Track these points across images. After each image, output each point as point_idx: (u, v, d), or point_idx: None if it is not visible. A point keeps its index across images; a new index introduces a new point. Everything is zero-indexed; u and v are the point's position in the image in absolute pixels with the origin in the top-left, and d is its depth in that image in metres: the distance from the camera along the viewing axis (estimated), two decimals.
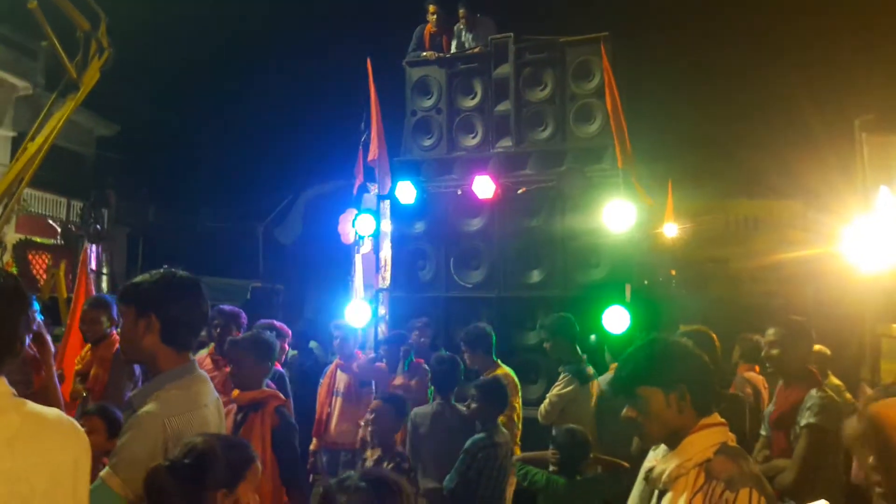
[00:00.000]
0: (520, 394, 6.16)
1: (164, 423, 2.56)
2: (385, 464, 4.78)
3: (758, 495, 2.24)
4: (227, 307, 6.28)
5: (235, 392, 4.45)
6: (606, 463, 4.98)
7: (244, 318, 6.33)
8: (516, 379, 6.17)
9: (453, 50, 9.32)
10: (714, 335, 4.51)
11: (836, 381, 5.38)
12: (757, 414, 6.63)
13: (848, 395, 5.28)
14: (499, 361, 6.26)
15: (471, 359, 6.24)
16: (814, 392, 4.14)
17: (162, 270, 2.81)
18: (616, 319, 7.00)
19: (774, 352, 4.49)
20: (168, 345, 2.72)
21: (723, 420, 2.51)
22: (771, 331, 4.54)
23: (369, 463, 4.91)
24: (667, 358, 2.53)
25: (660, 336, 2.70)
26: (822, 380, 4.40)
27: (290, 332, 6.99)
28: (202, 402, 2.74)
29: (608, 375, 5.90)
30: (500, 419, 5.86)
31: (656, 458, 2.57)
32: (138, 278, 2.81)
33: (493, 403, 5.12)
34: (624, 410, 2.54)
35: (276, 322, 6.82)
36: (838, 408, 4.02)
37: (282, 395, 4.52)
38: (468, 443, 4.92)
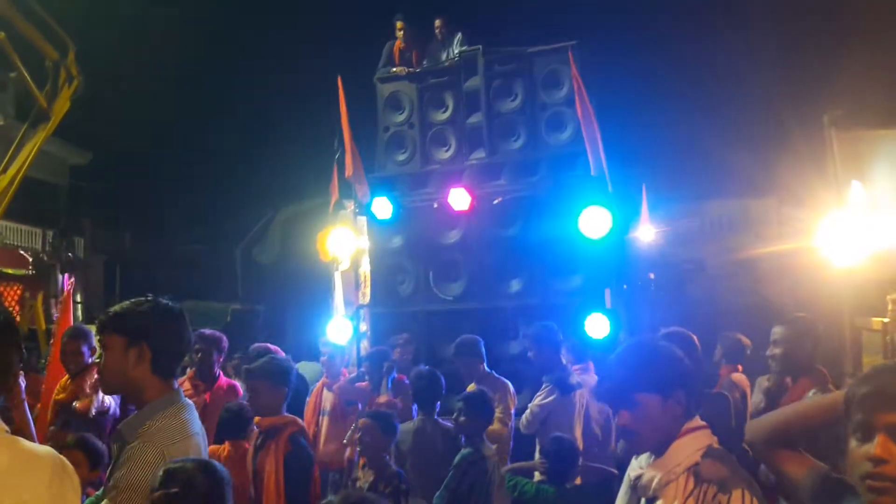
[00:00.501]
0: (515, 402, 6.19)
1: (162, 452, 2.56)
2: (381, 486, 4.69)
3: (750, 496, 2.25)
4: (207, 331, 6.24)
5: (257, 419, 4.48)
6: (595, 470, 4.98)
7: (225, 342, 6.29)
8: (511, 388, 6.20)
9: (445, 59, 9.33)
10: (694, 336, 4.52)
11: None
12: (744, 417, 6.66)
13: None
14: (493, 373, 6.27)
15: (463, 369, 6.26)
16: (810, 394, 4.12)
17: (147, 298, 2.80)
18: (597, 325, 7.04)
19: (778, 350, 4.45)
20: (157, 374, 2.72)
21: (704, 423, 2.52)
22: (777, 329, 4.50)
23: (362, 485, 4.83)
24: (662, 361, 2.50)
25: (646, 338, 2.69)
26: (829, 379, 4.35)
27: (283, 354, 6.96)
28: (192, 431, 2.74)
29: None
30: (497, 426, 5.87)
31: (640, 466, 2.57)
32: (122, 307, 2.78)
33: (480, 416, 5.09)
34: (618, 418, 2.49)
35: (270, 345, 6.80)
36: None
37: (300, 422, 4.53)
38: (457, 458, 4.88)
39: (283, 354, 6.78)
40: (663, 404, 2.44)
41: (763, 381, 7.44)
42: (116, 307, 2.80)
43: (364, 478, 4.84)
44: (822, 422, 2.14)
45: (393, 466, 4.93)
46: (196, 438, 2.74)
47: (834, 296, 7.79)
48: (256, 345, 6.72)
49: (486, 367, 6.29)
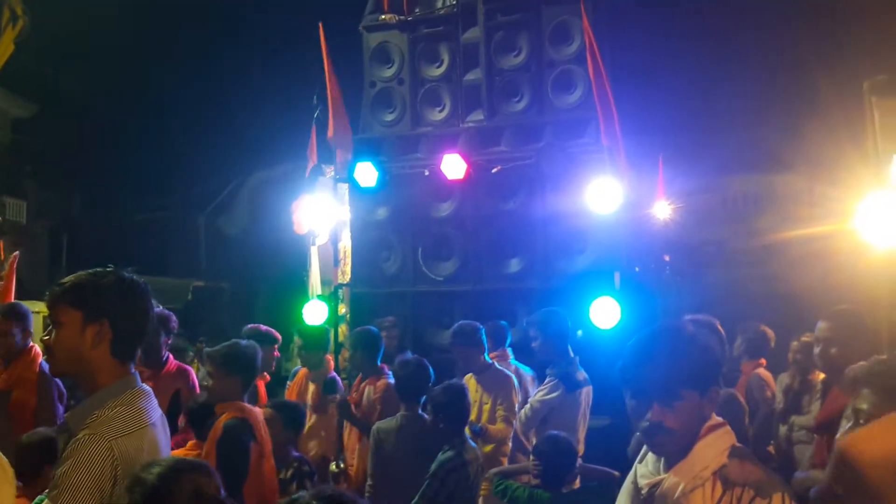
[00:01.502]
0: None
1: (110, 445, 2.52)
2: (282, 473, 4.86)
3: (790, 501, 2.28)
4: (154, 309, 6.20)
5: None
6: (595, 473, 4.95)
7: (174, 321, 6.29)
8: (515, 380, 6.20)
9: (416, 11, 9.24)
10: (718, 323, 4.46)
11: None
12: (772, 420, 6.66)
13: None
14: (496, 363, 6.26)
15: (463, 359, 6.25)
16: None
17: (108, 270, 2.75)
18: (605, 312, 7.01)
19: (833, 351, 4.40)
20: (115, 356, 2.68)
21: (722, 419, 2.50)
22: (823, 325, 4.45)
23: None
24: (701, 352, 2.47)
25: (676, 324, 2.63)
26: None
27: (279, 336, 6.92)
28: (149, 420, 2.70)
29: None
30: (500, 425, 5.86)
31: (650, 472, 2.53)
32: (80, 277, 2.73)
33: (451, 417, 5.01)
34: (651, 414, 2.43)
35: (261, 326, 6.81)
36: None
37: (247, 409, 4.58)
38: (434, 465, 4.82)
39: (278, 337, 6.83)
40: (700, 401, 2.43)
41: (784, 379, 7.46)
42: (72, 277, 2.74)
43: None
44: None
45: (293, 453, 5.13)
46: (153, 429, 2.70)
47: (871, 285, 7.76)
48: (250, 326, 6.78)
49: (488, 358, 6.27)
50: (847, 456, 1.77)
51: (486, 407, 6.11)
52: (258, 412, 4.73)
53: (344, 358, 7.80)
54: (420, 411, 5.32)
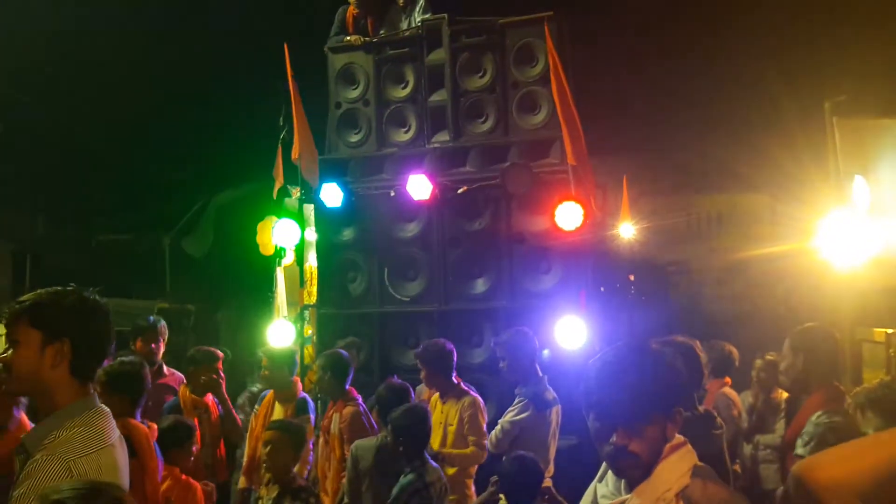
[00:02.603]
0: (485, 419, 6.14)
1: (68, 466, 2.48)
2: (288, 501, 4.72)
3: None
4: None
5: None
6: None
7: (165, 330, 6.96)
8: (481, 401, 6.16)
9: (381, 33, 9.24)
10: (697, 344, 4.44)
11: None
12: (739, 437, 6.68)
13: None
14: (461, 384, 6.21)
15: (428, 379, 6.20)
16: (814, 417, 4.09)
17: (69, 289, 2.72)
18: (570, 331, 7.03)
19: (786, 363, 4.43)
20: (75, 376, 2.65)
21: (684, 437, 2.47)
22: (788, 341, 4.48)
23: (265, 503, 4.83)
24: (667, 374, 2.41)
25: (641, 344, 2.54)
26: (845, 396, 4.32)
27: (220, 354, 6.87)
28: (108, 440, 2.66)
29: None
30: (472, 449, 5.82)
31: (611, 491, 2.50)
32: (39, 297, 2.69)
33: (411, 439, 4.97)
34: (616, 437, 2.34)
35: (203, 347, 6.86)
36: (841, 437, 3.99)
37: (131, 425, 4.47)
38: (396, 489, 4.79)
39: (219, 355, 6.80)
40: (665, 424, 2.38)
41: (748, 398, 7.50)
42: (32, 296, 2.71)
43: (268, 494, 4.84)
44: None
45: (300, 480, 4.99)
46: (112, 450, 2.66)
47: (833, 303, 7.84)
48: (195, 348, 6.81)
49: (454, 379, 6.23)
50: (804, 480, 1.74)
51: (452, 429, 6.07)
52: (144, 429, 4.60)
53: (310, 380, 7.74)
54: None
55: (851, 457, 1.76)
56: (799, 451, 4.00)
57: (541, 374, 5.99)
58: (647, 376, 2.36)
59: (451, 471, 5.88)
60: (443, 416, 6.10)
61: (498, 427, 5.83)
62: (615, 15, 13.66)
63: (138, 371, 4.74)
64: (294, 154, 8.64)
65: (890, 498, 1.81)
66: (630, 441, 2.34)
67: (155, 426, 4.92)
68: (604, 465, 2.54)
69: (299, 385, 6.94)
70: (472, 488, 6.02)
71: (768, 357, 7.26)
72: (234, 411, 6.86)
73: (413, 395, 5.74)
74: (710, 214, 16.71)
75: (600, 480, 2.57)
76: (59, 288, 2.72)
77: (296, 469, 6.06)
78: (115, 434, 2.73)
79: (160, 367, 7.11)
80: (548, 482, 5.35)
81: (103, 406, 2.76)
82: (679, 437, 2.44)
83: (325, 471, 6.12)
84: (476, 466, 6.10)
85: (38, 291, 2.72)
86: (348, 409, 6.10)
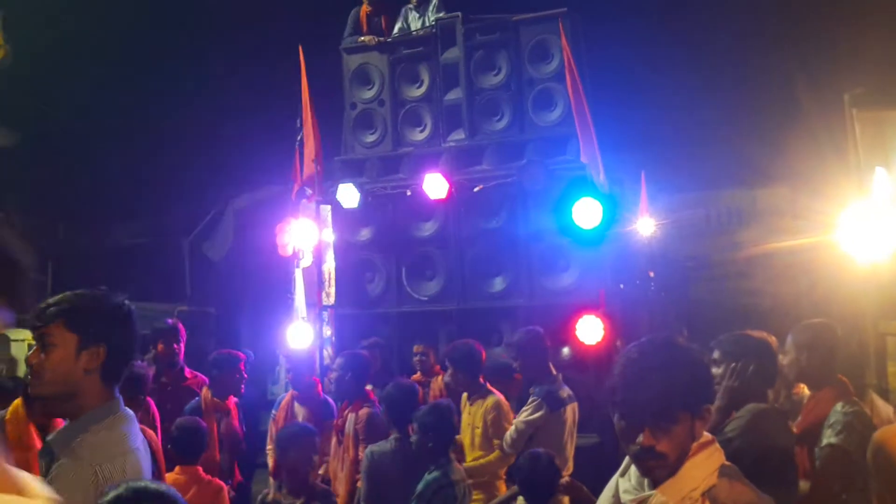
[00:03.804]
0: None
1: (95, 471, 2.47)
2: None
3: None
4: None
5: None
6: (578, 491, 4.84)
7: (183, 332, 6.90)
8: (508, 405, 6.13)
9: (395, 33, 9.25)
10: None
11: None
12: None
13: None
14: (488, 385, 6.18)
15: (455, 379, 6.17)
16: (839, 406, 4.08)
17: (101, 292, 2.72)
18: (590, 329, 6.99)
19: (788, 359, 4.41)
20: (104, 380, 2.64)
21: (711, 436, 2.43)
22: (790, 336, 4.48)
23: None
24: (695, 370, 2.36)
25: (668, 339, 2.49)
26: (852, 390, 4.31)
27: (242, 355, 6.86)
28: (133, 445, 2.66)
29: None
30: (495, 453, 5.79)
31: (633, 487, 2.45)
32: (75, 299, 2.66)
33: (437, 436, 4.94)
34: (643, 437, 2.28)
35: (224, 350, 6.86)
36: (866, 425, 3.96)
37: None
38: (421, 485, 4.75)
39: (241, 356, 6.82)
40: (692, 422, 2.32)
41: (769, 393, 7.43)
42: (66, 298, 2.66)
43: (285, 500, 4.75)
44: None
45: (320, 484, 4.94)
46: (136, 454, 2.65)
47: (856, 297, 7.77)
48: (220, 351, 6.84)
49: (480, 379, 6.21)
50: (887, 445, 1.71)
51: (478, 431, 6.04)
52: (149, 432, 4.56)
53: (330, 380, 7.73)
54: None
55: None
56: (831, 440, 3.97)
57: (554, 372, 5.95)
58: (674, 374, 2.30)
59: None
60: (471, 418, 6.08)
61: (512, 428, 5.79)
62: (632, 8, 13.60)
63: (143, 374, 4.71)
64: (311, 156, 8.65)
65: None
66: (658, 441, 2.27)
67: (150, 431, 4.88)
68: (626, 459, 2.49)
69: (319, 386, 6.93)
70: (503, 488, 5.99)
71: None
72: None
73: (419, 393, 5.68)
74: (731, 209, 16.62)
75: (622, 475, 2.51)
76: (93, 291, 2.71)
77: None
78: (139, 438, 2.72)
79: (182, 370, 7.11)
80: (566, 479, 5.30)
81: (128, 410, 2.74)
82: (707, 436, 2.39)
83: (337, 471, 6.09)
84: (505, 467, 6.06)
85: (69, 294, 2.68)
86: (364, 410, 6.08)
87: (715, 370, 3.77)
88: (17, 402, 5.16)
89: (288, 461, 4.77)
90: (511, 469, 4.98)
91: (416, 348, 7.64)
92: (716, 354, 3.89)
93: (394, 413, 5.38)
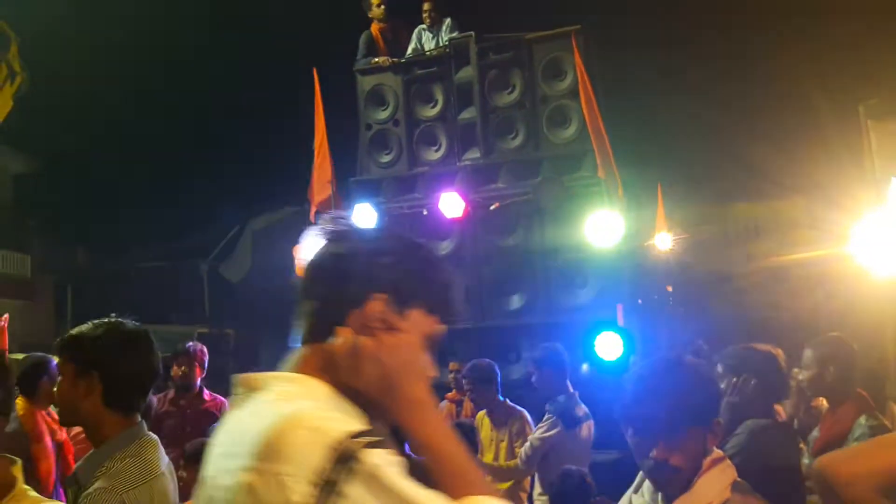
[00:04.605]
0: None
1: (122, 498, 2.49)
2: None
3: None
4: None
5: None
6: None
7: (205, 354, 6.86)
8: (528, 416, 6.17)
9: (409, 53, 9.34)
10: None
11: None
12: None
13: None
14: (507, 401, 6.23)
15: (475, 397, 6.24)
16: (863, 420, 4.08)
17: (106, 321, 2.75)
18: (609, 345, 7.01)
19: (808, 374, 4.42)
20: (111, 408, 2.66)
21: (723, 452, 2.47)
22: (806, 352, 4.49)
23: None
24: (704, 385, 2.43)
25: (677, 356, 2.56)
26: (872, 404, 4.32)
27: None
28: (158, 470, 2.68)
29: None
30: (514, 461, 5.83)
31: (645, 500, 2.50)
32: (80, 330, 2.74)
33: None
34: (656, 452, 2.32)
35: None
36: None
37: None
38: None
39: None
40: (704, 436, 2.37)
41: (787, 407, 7.39)
42: (76, 330, 2.75)
43: None
44: None
45: None
46: (162, 479, 2.68)
47: (874, 308, 7.77)
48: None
49: (500, 397, 6.25)
50: (825, 474, 1.76)
51: (503, 444, 6.09)
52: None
53: None
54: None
55: (873, 454, 1.78)
56: None
57: (571, 389, 5.97)
58: (682, 389, 2.36)
59: (504, 485, 5.88)
60: (493, 434, 6.13)
61: (528, 443, 5.82)
62: (645, 24, 13.66)
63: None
64: (327, 176, 8.72)
65: None
66: (670, 455, 2.32)
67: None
68: (640, 475, 2.53)
69: None
70: (527, 502, 6.02)
71: None
72: None
73: None
74: (748, 221, 16.60)
75: (636, 491, 2.55)
76: (97, 321, 2.76)
77: None
78: (164, 462, 2.74)
79: (200, 392, 7.14)
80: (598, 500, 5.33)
81: (151, 435, 2.77)
82: (718, 452, 2.43)
83: None
84: (529, 480, 6.09)
85: (82, 325, 2.78)
86: None
87: (721, 384, 3.78)
88: (19, 398, 5.32)
89: None
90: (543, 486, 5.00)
91: (451, 366, 7.66)
92: (719, 369, 3.90)
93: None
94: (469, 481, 1.44)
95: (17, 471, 2.73)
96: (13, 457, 2.76)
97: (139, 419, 2.76)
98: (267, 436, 1.35)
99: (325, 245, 1.64)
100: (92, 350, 2.68)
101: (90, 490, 2.52)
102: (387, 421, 1.51)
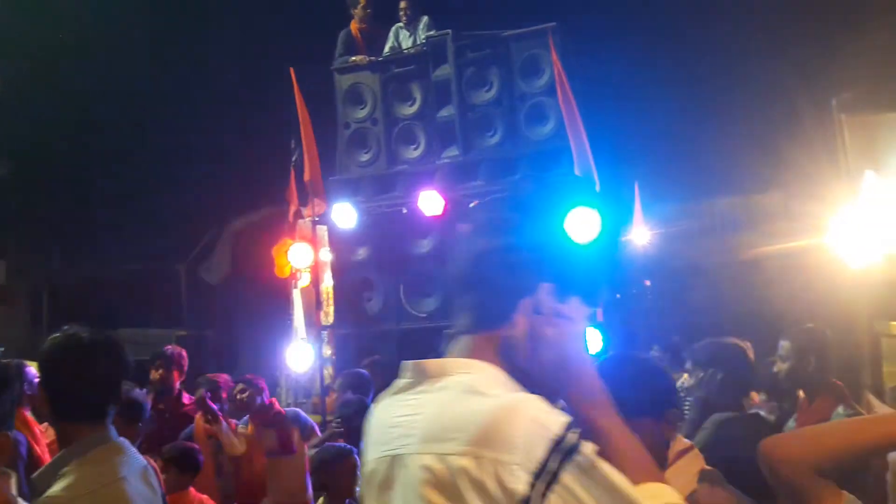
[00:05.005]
0: None
1: None
2: None
3: None
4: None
5: None
6: None
7: (185, 359, 6.84)
8: None
9: (386, 52, 9.37)
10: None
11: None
12: None
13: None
14: None
15: None
16: (840, 410, 4.14)
17: (60, 333, 2.74)
18: (588, 340, 7.06)
19: (784, 365, 4.48)
20: (66, 419, 2.67)
21: (690, 442, 2.51)
22: (783, 343, 4.55)
23: None
24: (650, 378, 2.46)
25: (624, 352, 2.65)
26: (847, 394, 4.39)
27: (228, 382, 6.89)
28: (116, 476, 2.66)
29: None
30: None
31: None
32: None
33: None
34: None
35: (217, 375, 6.87)
36: None
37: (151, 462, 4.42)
38: None
39: (225, 383, 6.80)
40: (656, 427, 2.42)
41: (763, 396, 7.48)
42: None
43: None
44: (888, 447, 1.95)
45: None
46: (120, 483, 2.65)
47: (849, 299, 7.87)
48: (206, 376, 6.80)
49: None
50: (763, 455, 1.82)
51: None
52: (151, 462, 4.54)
53: (332, 400, 7.80)
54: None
55: (810, 437, 1.84)
56: None
57: None
58: (629, 383, 2.35)
59: None
60: None
61: None
62: (622, 20, 13.73)
63: (140, 401, 4.74)
64: (306, 176, 8.74)
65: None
66: None
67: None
68: None
69: (276, 405, 6.61)
70: None
71: None
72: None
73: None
74: (725, 215, 16.70)
75: None
76: (57, 332, 2.76)
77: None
78: (128, 468, 2.73)
79: (179, 396, 7.08)
80: None
81: (118, 441, 2.77)
82: (685, 442, 2.48)
83: None
84: None
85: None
86: None
87: (691, 380, 3.84)
88: None
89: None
90: None
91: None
92: (688, 364, 3.94)
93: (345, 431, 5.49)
94: (643, 467, 1.52)
95: (13, 484, 2.75)
96: (9, 470, 2.77)
97: (104, 425, 2.74)
98: (485, 423, 1.42)
99: (484, 237, 1.70)
100: (41, 364, 2.73)
101: (42, 498, 2.53)
102: (555, 403, 1.57)
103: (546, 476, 1.36)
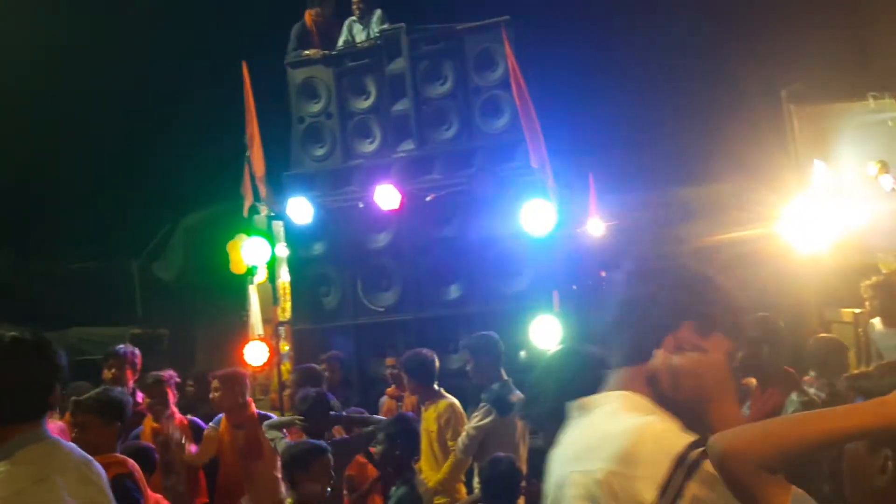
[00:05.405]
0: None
1: None
2: None
3: None
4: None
5: None
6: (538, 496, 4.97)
7: (139, 358, 6.74)
8: (461, 409, 6.20)
9: (340, 45, 9.33)
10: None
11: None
12: None
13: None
14: (442, 391, 6.27)
15: (410, 387, 6.28)
16: (794, 396, 4.25)
17: None
18: (545, 331, 7.11)
19: (744, 353, 4.57)
20: None
21: None
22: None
23: None
24: (594, 371, 2.53)
25: (573, 345, 2.75)
26: (799, 382, 4.49)
27: (165, 377, 6.79)
28: (44, 474, 2.62)
29: None
30: (451, 457, 5.88)
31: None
32: None
33: (404, 447, 5.02)
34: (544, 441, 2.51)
35: (164, 373, 6.75)
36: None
37: (129, 463, 4.31)
38: (391, 501, 4.85)
39: (174, 379, 6.72)
40: None
41: None
42: None
43: None
44: (843, 441, 1.87)
45: None
46: (45, 484, 2.60)
47: (800, 286, 8.02)
48: (153, 373, 6.68)
49: (436, 387, 6.29)
50: (710, 449, 1.87)
51: (433, 434, 6.12)
52: (134, 463, 4.41)
53: (288, 396, 7.78)
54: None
55: (759, 433, 1.89)
56: None
57: (505, 377, 6.03)
58: (570, 375, 2.57)
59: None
60: (425, 423, 6.17)
61: (463, 433, 5.87)
62: (574, 12, 13.81)
63: (128, 402, 4.63)
64: (257, 171, 8.69)
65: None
66: None
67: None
68: None
69: (252, 406, 6.54)
70: (464, 490, 6.08)
71: None
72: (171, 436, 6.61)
73: (331, 402, 5.77)
74: (677, 206, 16.87)
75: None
76: None
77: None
78: (60, 465, 2.69)
79: (133, 394, 6.97)
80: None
81: (53, 438, 2.74)
82: None
83: None
84: (463, 471, 6.15)
85: None
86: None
87: None
88: None
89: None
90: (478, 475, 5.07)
91: (388, 361, 7.68)
92: None
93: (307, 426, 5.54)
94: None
95: None
96: None
97: (38, 424, 2.71)
98: (622, 444, 1.65)
99: (634, 282, 1.95)
100: None
101: None
102: (697, 429, 1.75)
103: (672, 490, 1.56)
